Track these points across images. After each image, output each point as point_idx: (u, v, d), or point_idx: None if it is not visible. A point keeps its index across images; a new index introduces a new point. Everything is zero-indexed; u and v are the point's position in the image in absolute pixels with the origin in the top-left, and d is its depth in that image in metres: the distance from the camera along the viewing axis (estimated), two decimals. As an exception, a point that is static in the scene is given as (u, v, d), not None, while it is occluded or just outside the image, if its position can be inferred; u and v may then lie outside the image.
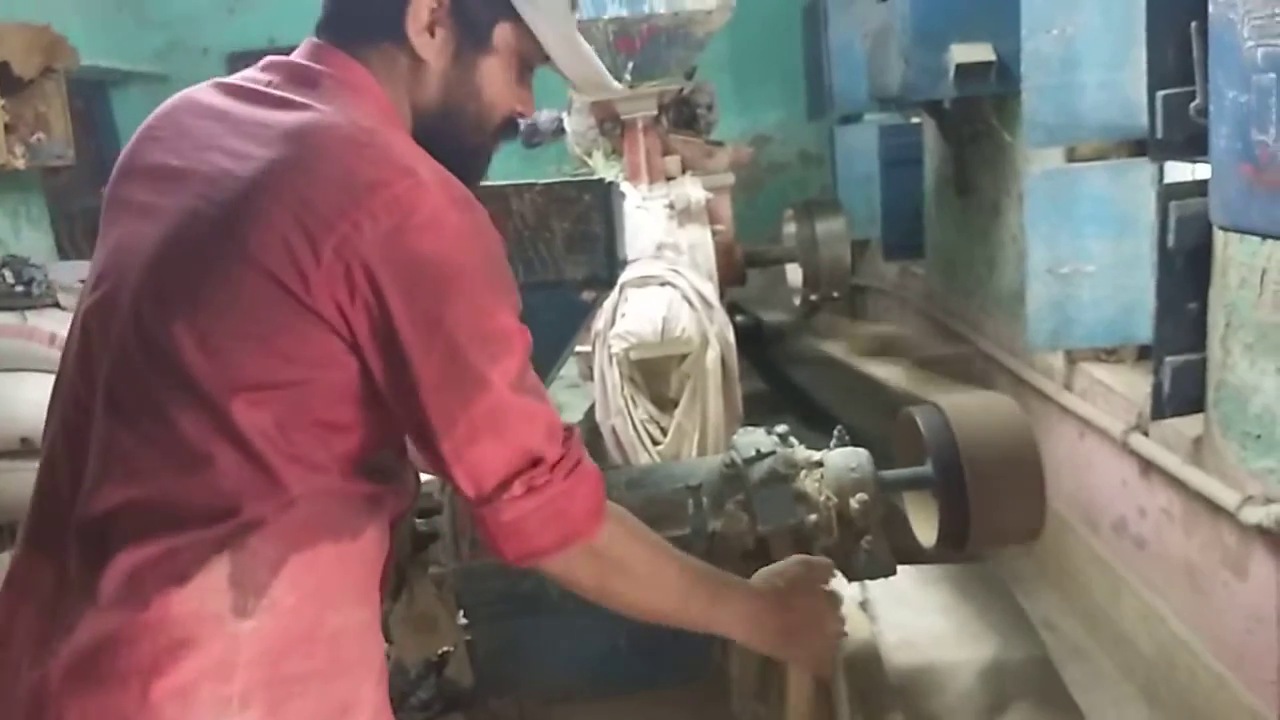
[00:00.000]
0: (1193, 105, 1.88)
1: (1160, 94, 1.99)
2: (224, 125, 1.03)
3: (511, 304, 1.03)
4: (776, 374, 4.87)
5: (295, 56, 1.10)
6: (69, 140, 4.51)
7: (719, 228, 3.58)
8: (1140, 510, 2.79)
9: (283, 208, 0.94)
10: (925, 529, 1.76)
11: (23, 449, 3.21)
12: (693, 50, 3.61)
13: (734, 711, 1.69)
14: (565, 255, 1.90)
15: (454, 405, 0.98)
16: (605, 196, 1.93)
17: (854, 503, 1.63)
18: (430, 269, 0.95)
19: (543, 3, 1.11)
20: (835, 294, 3.92)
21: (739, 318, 4.17)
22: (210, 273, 0.95)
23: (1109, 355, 3.11)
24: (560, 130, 4.02)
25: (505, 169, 1.33)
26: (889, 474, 1.71)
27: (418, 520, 1.64)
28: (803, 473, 1.66)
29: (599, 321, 3.08)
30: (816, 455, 1.71)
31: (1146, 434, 2.67)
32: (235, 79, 1.10)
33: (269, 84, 1.07)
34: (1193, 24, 1.80)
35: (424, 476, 1.23)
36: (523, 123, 1.22)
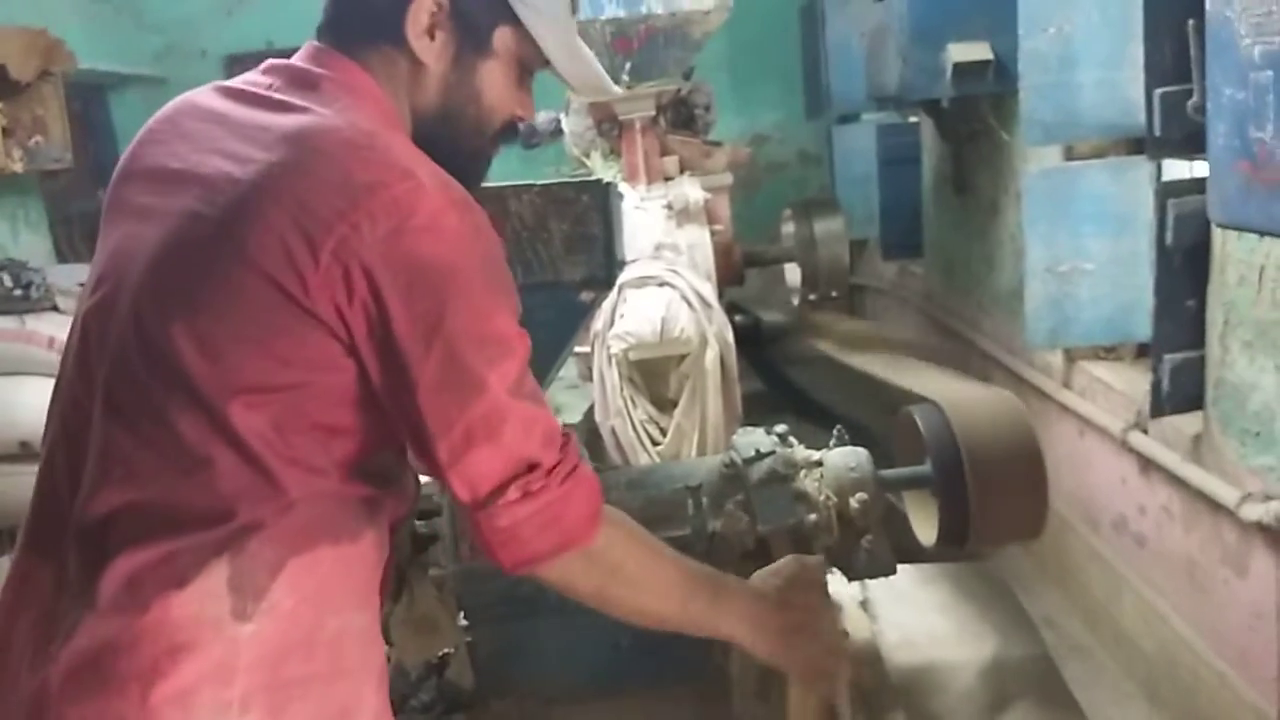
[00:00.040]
0: (1190, 103, 1.88)
1: (1158, 92, 1.99)
2: (224, 128, 1.03)
3: (511, 307, 1.02)
4: (774, 373, 4.87)
5: (296, 60, 1.10)
6: (67, 144, 4.51)
7: (717, 228, 3.58)
8: (1140, 508, 2.79)
9: (281, 210, 0.94)
10: (925, 528, 1.76)
11: (22, 453, 3.21)
12: (690, 51, 3.61)
13: (735, 712, 1.69)
14: (564, 256, 1.90)
15: (451, 408, 0.97)
16: (603, 197, 1.93)
17: (854, 502, 1.63)
18: (429, 271, 0.95)
19: (543, 7, 1.11)
20: (834, 293, 3.92)
21: (738, 317, 4.17)
22: (209, 275, 0.95)
23: (1108, 353, 3.12)
24: (558, 131, 4.02)
25: (503, 170, 1.33)
26: (889, 473, 1.71)
27: (418, 522, 1.64)
28: (802, 472, 1.66)
29: (598, 322, 3.08)
30: (816, 455, 1.71)
31: (1146, 432, 2.67)
32: (235, 82, 1.10)
33: (269, 87, 1.07)
34: (1190, 22, 1.81)
35: (424, 479, 1.23)
36: (521, 124, 1.22)
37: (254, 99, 1.05)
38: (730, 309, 3.68)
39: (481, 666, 1.78)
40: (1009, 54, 3.03)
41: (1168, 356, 2.33)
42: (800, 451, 1.71)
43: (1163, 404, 2.38)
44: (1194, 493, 2.44)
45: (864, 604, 2.08)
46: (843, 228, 3.87)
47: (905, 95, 3.69)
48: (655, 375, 3.10)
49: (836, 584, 1.84)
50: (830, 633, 1.34)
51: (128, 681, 0.92)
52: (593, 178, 3.12)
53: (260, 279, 0.94)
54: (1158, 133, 2.02)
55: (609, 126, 3.77)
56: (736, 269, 3.85)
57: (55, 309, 3.52)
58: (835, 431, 1.76)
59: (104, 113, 6.38)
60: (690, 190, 3.51)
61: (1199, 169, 2.27)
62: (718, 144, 4.02)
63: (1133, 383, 2.85)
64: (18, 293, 3.46)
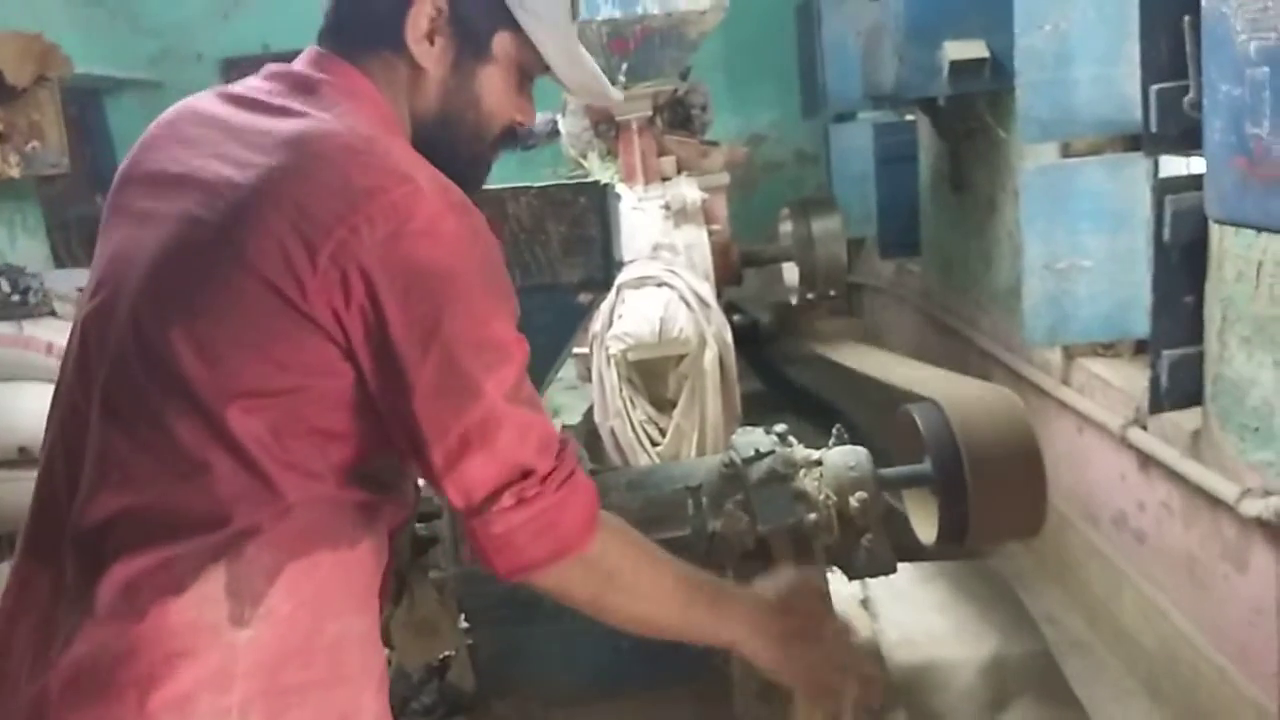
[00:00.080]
0: (1187, 99, 1.88)
1: (1154, 88, 1.99)
2: (224, 133, 1.03)
3: (509, 312, 1.02)
4: (773, 372, 4.87)
5: (296, 65, 1.10)
6: (64, 148, 4.50)
7: (715, 228, 3.58)
8: (1139, 504, 2.79)
9: (280, 215, 0.94)
10: (925, 526, 1.76)
11: (21, 458, 3.21)
12: (686, 51, 3.61)
13: (736, 713, 1.69)
14: (561, 258, 1.90)
15: (447, 414, 0.97)
16: (601, 199, 1.93)
17: (853, 501, 1.63)
18: (427, 275, 0.95)
19: (542, 12, 1.10)
20: (832, 292, 3.92)
21: (736, 317, 4.17)
22: (208, 280, 0.95)
23: (1106, 350, 3.12)
24: (555, 132, 4.02)
25: (501, 172, 1.33)
26: (888, 472, 1.71)
27: (418, 525, 1.64)
28: (802, 472, 1.67)
29: (596, 323, 3.08)
30: (815, 454, 1.71)
31: (1145, 428, 2.67)
32: (236, 88, 1.10)
33: (269, 92, 1.07)
34: (1185, 18, 1.81)
35: (424, 484, 1.22)
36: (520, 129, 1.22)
37: (254, 104, 1.05)
38: (728, 309, 3.68)
39: (482, 669, 1.78)
40: (1005, 51, 3.03)
41: (1166, 353, 2.33)
42: (800, 451, 1.71)
43: (1161, 400, 2.38)
44: (1193, 488, 2.44)
45: (864, 603, 2.08)
46: (840, 226, 3.87)
47: (902, 93, 3.69)
48: (654, 376, 3.10)
49: (837, 583, 1.84)
50: (834, 644, 1.31)
51: (126, 689, 0.92)
52: (590, 179, 3.13)
53: (259, 283, 0.93)
54: (1154, 129, 2.02)
55: (606, 127, 3.78)
56: (734, 269, 3.85)
57: (53, 314, 3.51)
58: (834, 431, 1.77)
59: (100, 117, 6.37)
60: (687, 190, 3.51)
61: (1196, 165, 2.27)
62: (715, 144, 4.02)
63: (1131, 379, 2.85)
64: (15, 298, 3.46)
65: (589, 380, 3.21)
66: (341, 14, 1.11)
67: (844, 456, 1.69)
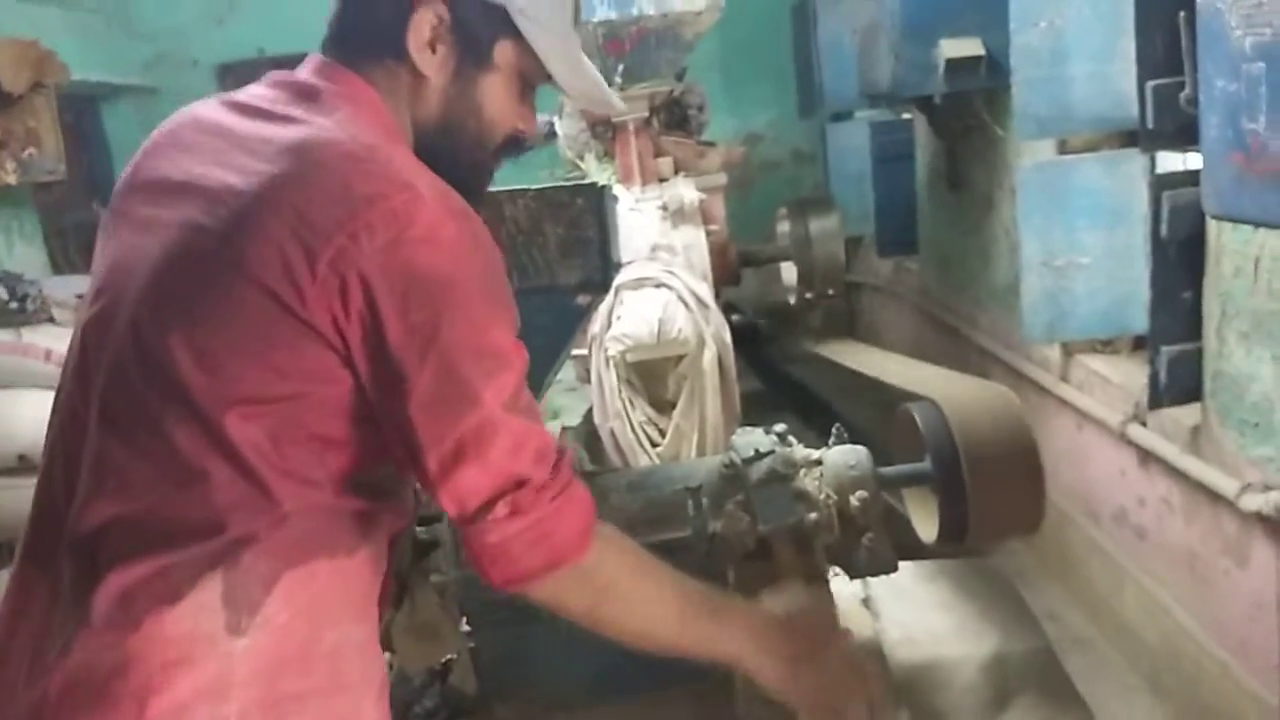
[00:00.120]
0: (1183, 95, 1.88)
1: (1150, 84, 1.99)
2: (226, 141, 1.03)
3: (509, 320, 1.02)
4: (773, 372, 4.88)
5: (299, 72, 1.10)
6: (60, 155, 4.50)
7: (713, 228, 3.58)
8: (1140, 500, 2.79)
9: (281, 222, 0.94)
10: (925, 524, 1.76)
11: (20, 466, 3.20)
12: (682, 51, 3.61)
13: (738, 715, 1.69)
14: (559, 260, 1.90)
15: (443, 421, 0.97)
16: (598, 200, 1.93)
17: (854, 500, 1.63)
18: (426, 282, 0.95)
19: (544, 20, 1.10)
20: (830, 291, 3.92)
21: (735, 317, 4.17)
22: (208, 287, 0.95)
23: (1105, 346, 3.12)
24: (552, 134, 4.02)
25: (498, 175, 1.33)
26: (888, 471, 1.71)
27: (418, 529, 1.64)
28: (802, 471, 1.67)
29: (595, 325, 3.08)
30: (815, 454, 1.71)
31: (1144, 424, 2.68)
32: (239, 95, 1.10)
33: (272, 100, 1.07)
34: (1181, 14, 1.81)
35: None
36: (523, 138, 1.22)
37: (257, 112, 1.05)
38: (727, 309, 3.68)
39: (484, 672, 1.78)
40: (1001, 49, 3.03)
41: (1165, 349, 2.33)
42: (800, 450, 1.71)
43: (1161, 396, 2.38)
44: (1193, 484, 2.44)
45: (866, 601, 2.08)
46: (838, 225, 3.87)
47: (898, 92, 3.69)
48: (653, 376, 3.10)
49: (839, 583, 1.84)
50: (841, 666, 1.27)
51: (123, 699, 0.92)
52: (587, 181, 3.13)
53: (258, 291, 0.93)
54: (1151, 125, 2.02)
55: (603, 129, 3.78)
56: (732, 269, 3.85)
57: (51, 321, 3.51)
58: (834, 430, 1.77)
59: (97, 123, 6.37)
60: (685, 191, 3.51)
61: (1193, 161, 2.27)
62: (711, 144, 4.03)
63: (1130, 375, 2.85)
64: (13, 305, 3.46)
65: (588, 382, 3.21)
66: (344, 23, 1.11)
67: (844, 456, 1.69)
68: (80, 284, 4.09)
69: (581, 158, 3.86)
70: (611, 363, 3.03)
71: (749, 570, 1.68)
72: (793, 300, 4.07)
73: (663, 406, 3.11)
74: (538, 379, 1.07)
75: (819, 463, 1.69)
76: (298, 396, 0.96)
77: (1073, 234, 2.77)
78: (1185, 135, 1.94)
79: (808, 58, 6.13)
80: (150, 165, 1.09)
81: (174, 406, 0.95)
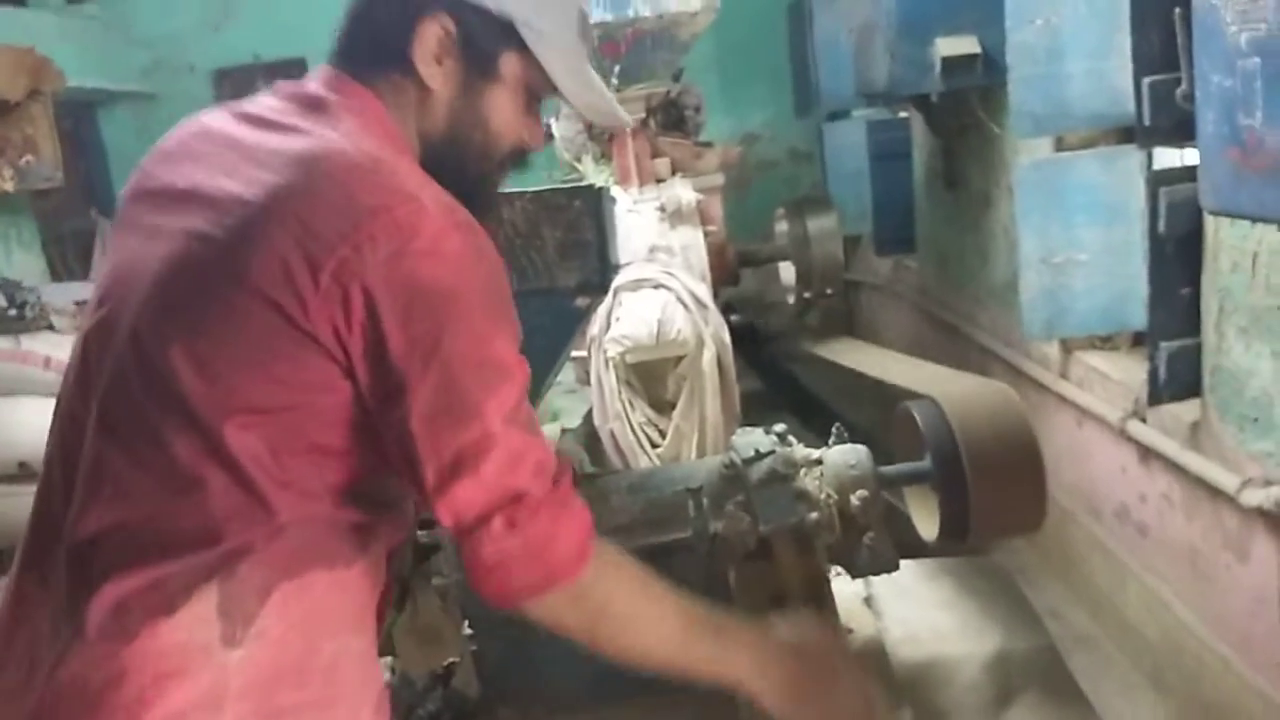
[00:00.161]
0: (1179, 91, 1.88)
1: (1146, 81, 1.99)
2: (233, 151, 1.03)
3: (511, 333, 1.01)
4: (773, 371, 4.88)
5: (307, 83, 1.11)
6: (58, 162, 4.51)
7: (711, 228, 3.58)
8: (1141, 497, 2.79)
9: (285, 232, 0.94)
10: (927, 523, 1.76)
11: (20, 473, 3.21)
12: (678, 52, 3.62)
13: (741, 717, 1.69)
14: (558, 262, 1.90)
15: (443, 433, 0.96)
16: (596, 202, 1.93)
17: (855, 499, 1.63)
18: (429, 294, 0.95)
19: (550, 33, 1.10)
20: (829, 290, 3.92)
21: (734, 317, 4.17)
22: (211, 298, 0.95)
23: (1104, 343, 3.12)
24: (549, 136, 4.03)
25: (497, 178, 1.33)
26: (889, 470, 1.71)
27: (420, 532, 1.64)
28: (802, 471, 1.67)
29: (594, 326, 3.08)
30: (816, 453, 1.71)
31: (1144, 420, 2.68)
32: (247, 106, 1.10)
33: (280, 111, 1.07)
34: (1176, 10, 1.81)
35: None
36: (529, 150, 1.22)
37: (264, 123, 1.06)
38: (725, 309, 3.68)
39: (487, 675, 1.78)
40: (997, 47, 3.03)
41: (1164, 344, 2.33)
42: (800, 450, 1.71)
43: (1160, 392, 2.38)
44: (1194, 480, 2.44)
45: (868, 600, 2.08)
46: (836, 225, 3.87)
47: (894, 90, 3.69)
48: (653, 377, 3.10)
49: (840, 582, 1.84)
50: (851, 699, 1.23)
51: (116, 711, 0.91)
52: (585, 183, 3.12)
53: (261, 302, 0.93)
54: (1147, 122, 2.02)
55: (600, 131, 3.78)
56: (731, 269, 3.85)
57: (50, 328, 3.52)
58: (834, 429, 1.77)
59: (94, 130, 6.38)
60: (682, 192, 3.51)
61: (1189, 157, 2.27)
62: (708, 145, 4.03)
63: (1130, 372, 2.85)
64: (12, 313, 3.46)
65: (588, 383, 3.21)
66: (351, 36, 1.11)
67: (844, 455, 1.69)
68: (79, 291, 4.10)
69: (579, 159, 3.86)
70: (611, 364, 3.03)
71: (750, 570, 1.68)
72: (791, 300, 4.07)
73: (662, 407, 3.11)
74: (537, 381, 1.06)
75: (819, 462, 1.69)
76: (298, 407, 0.96)
77: (1071, 231, 2.77)
78: (1182, 131, 1.94)
79: (804, 57, 6.14)
80: (156, 173, 1.09)
81: (173, 415, 0.95)
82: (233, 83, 6.55)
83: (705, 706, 1.76)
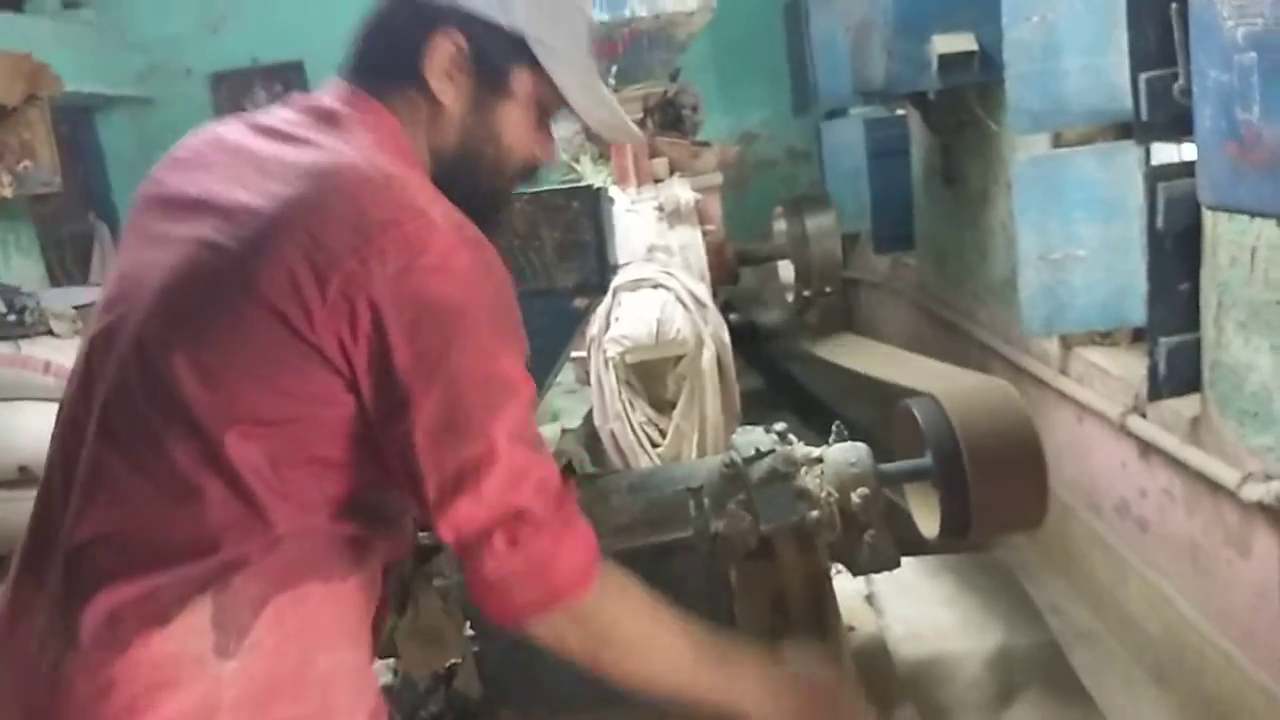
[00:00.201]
0: (1176, 86, 1.89)
1: (1143, 76, 1.99)
2: (246, 161, 1.03)
3: (518, 350, 1.01)
4: (774, 370, 4.88)
5: (322, 97, 1.11)
6: (55, 167, 4.51)
7: (709, 228, 3.58)
8: (1141, 492, 2.79)
9: (294, 244, 0.94)
10: (928, 520, 1.77)
11: (21, 478, 3.20)
12: (675, 52, 3.62)
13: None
14: (557, 263, 1.90)
15: (446, 449, 0.96)
16: (594, 203, 1.93)
17: (855, 497, 1.63)
18: (436, 309, 0.94)
19: (561, 49, 1.11)
20: (827, 289, 3.92)
21: (733, 315, 4.17)
22: (218, 307, 0.95)
23: (1104, 339, 3.12)
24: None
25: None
26: (889, 467, 1.71)
27: (421, 533, 1.64)
28: (803, 470, 1.67)
29: (593, 327, 3.08)
30: (816, 451, 1.71)
31: (1144, 415, 2.68)
32: (261, 117, 1.10)
33: (294, 123, 1.07)
34: (1173, 5, 1.81)
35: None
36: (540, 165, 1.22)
37: (277, 134, 1.06)
38: (724, 308, 3.68)
39: (489, 676, 1.77)
40: (993, 44, 3.03)
41: (1163, 340, 2.33)
42: (800, 449, 1.72)
43: (1160, 387, 2.38)
44: (1194, 475, 2.44)
45: (869, 598, 2.08)
46: (834, 223, 3.87)
47: (891, 88, 3.69)
48: (653, 377, 3.10)
49: (841, 580, 1.84)
50: None
51: None
52: (583, 183, 3.12)
53: (268, 314, 0.93)
54: (1145, 117, 2.03)
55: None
56: (730, 268, 3.85)
57: (50, 333, 3.51)
58: (834, 427, 1.77)
59: (91, 135, 6.37)
60: (681, 191, 3.51)
61: (1187, 152, 2.27)
62: (706, 144, 4.03)
63: (1129, 367, 2.85)
64: (11, 318, 3.46)
65: (588, 384, 3.21)
66: (364, 50, 1.12)
67: (844, 453, 1.70)
68: (78, 295, 4.10)
69: (577, 160, 3.86)
70: (611, 364, 3.03)
71: (751, 569, 1.68)
72: (790, 298, 4.07)
73: (663, 407, 3.11)
74: (537, 382, 1.06)
75: (820, 460, 1.69)
76: (300, 419, 0.96)
77: (1069, 227, 2.77)
78: (1179, 126, 1.95)
79: (801, 56, 6.13)
80: (168, 181, 1.09)
81: (174, 422, 0.95)
82: (230, 86, 6.54)
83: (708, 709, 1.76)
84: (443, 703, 1.87)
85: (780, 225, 3.97)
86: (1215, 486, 2.34)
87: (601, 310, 3.05)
